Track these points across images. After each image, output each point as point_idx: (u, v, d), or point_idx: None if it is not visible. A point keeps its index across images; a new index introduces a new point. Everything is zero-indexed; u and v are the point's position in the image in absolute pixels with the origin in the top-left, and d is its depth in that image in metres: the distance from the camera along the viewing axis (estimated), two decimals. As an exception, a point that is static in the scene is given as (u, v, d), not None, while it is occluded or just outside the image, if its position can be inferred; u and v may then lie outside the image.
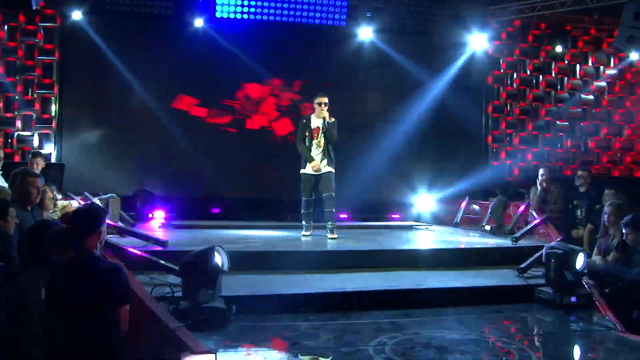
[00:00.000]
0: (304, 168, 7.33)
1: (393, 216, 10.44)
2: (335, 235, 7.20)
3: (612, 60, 11.71)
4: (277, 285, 5.24)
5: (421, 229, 9.08)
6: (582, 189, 7.69)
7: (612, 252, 5.81)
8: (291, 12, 10.07)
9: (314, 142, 7.25)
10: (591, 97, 11.71)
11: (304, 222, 7.47)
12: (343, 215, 9.56)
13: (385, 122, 10.64)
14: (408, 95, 10.60)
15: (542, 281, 5.45)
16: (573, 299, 4.99)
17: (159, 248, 5.90)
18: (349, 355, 4.01)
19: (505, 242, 7.16)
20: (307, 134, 7.30)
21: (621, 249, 5.62)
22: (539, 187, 8.09)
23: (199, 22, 9.76)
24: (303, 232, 7.43)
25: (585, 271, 5.28)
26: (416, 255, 6.43)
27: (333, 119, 7.29)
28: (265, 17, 9.95)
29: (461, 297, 5.24)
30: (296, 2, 9.97)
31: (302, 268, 5.76)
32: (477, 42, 10.78)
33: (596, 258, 5.97)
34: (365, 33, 10.47)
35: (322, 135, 7.22)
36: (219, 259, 4.37)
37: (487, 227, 8.20)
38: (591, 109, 11.73)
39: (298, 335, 4.35)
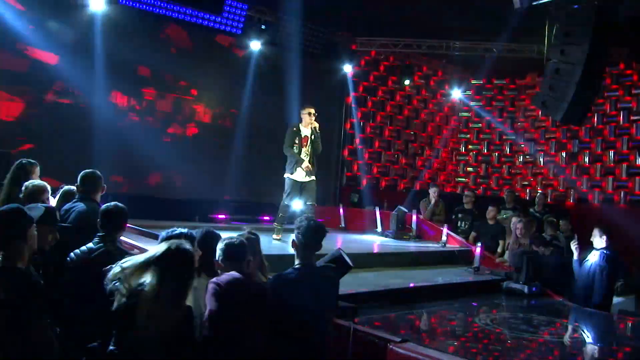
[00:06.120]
0: (291, 173, 7.46)
1: (264, 218, 10.71)
2: None
3: (436, 95, 14.24)
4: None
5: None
6: (467, 206, 9.49)
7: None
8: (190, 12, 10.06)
9: (303, 150, 7.45)
10: (420, 123, 14.05)
11: (277, 225, 7.61)
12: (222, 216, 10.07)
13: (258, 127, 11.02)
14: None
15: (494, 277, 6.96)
16: (534, 288, 6.52)
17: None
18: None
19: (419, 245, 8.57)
20: (296, 141, 7.46)
21: None
22: (431, 201, 9.70)
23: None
24: (274, 235, 7.53)
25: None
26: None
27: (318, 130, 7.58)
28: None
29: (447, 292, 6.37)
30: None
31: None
32: (346, 66, 12.14)
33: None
34: (255, 45, 10.84)
35: (311, 144, 7.48)
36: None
37: (387, 232, 9.44)
38: (420, 133, 14.06)
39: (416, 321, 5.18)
